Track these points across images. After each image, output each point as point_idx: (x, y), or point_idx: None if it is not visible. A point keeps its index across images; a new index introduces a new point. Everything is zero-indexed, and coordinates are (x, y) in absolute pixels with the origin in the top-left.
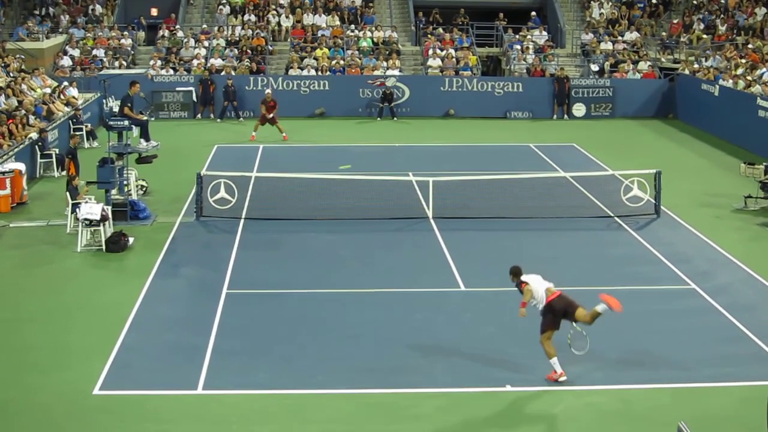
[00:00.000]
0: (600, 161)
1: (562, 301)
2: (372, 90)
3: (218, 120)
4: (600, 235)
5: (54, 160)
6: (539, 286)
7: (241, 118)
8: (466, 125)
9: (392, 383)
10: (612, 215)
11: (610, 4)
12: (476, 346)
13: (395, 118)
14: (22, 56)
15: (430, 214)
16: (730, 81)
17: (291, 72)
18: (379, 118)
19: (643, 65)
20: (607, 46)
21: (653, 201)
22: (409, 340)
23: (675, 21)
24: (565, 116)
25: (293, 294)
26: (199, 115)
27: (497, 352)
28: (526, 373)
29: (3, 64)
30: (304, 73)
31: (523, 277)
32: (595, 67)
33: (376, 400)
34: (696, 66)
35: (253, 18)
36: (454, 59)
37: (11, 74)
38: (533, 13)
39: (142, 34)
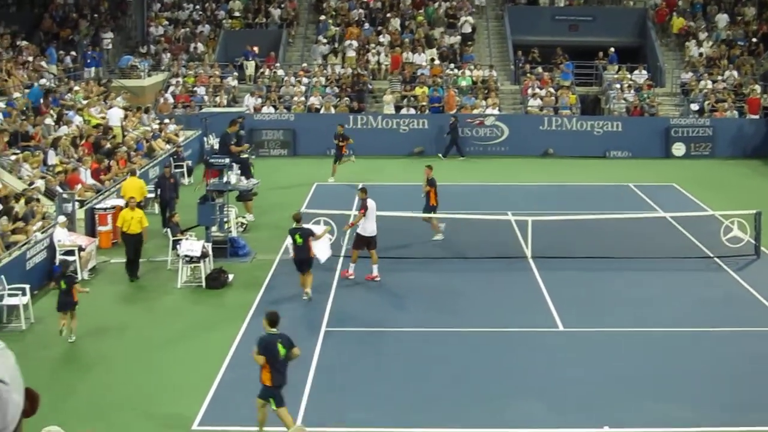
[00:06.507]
0: (700, 201)
1: None
2: (471, 129)
3: None
4: (699, 276)
5: (156, 195)
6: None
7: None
8: (565, 164)
9: (490, 422)
10: (712, 256)
11: (710, 43)
12: (574, 386)
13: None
14: (126, 93)
15: (528, 253)
16: None
17: (390, 110)
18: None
19: (744, 104)
20: (706, 84)
21: (753, 242)
22: (507, 379)
23: None
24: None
25: (392, 332)
26: None
27: (595, 392)
28: (625, 414)
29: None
30: (403, 111)
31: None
32: (695, 107)
33: None
34: None
35: (352, 54)
36: (553, 98)
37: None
38: (611, 50)
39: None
